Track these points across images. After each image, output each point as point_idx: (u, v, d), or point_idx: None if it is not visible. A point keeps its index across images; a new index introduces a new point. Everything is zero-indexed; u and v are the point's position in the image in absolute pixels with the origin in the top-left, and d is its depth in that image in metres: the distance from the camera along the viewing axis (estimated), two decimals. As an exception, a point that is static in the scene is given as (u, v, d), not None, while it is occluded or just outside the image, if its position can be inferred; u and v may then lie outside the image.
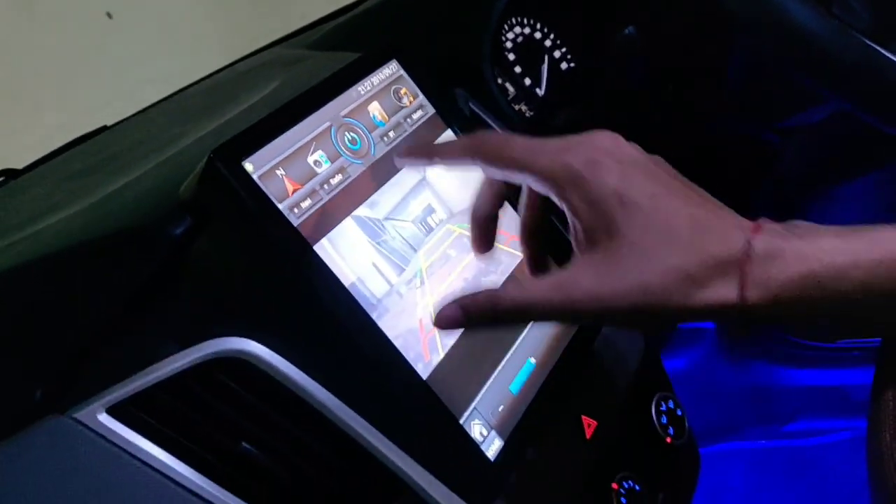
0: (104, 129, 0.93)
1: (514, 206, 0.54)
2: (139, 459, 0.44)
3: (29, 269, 0.48)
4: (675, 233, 0.39)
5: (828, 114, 0.75)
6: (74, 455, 0.43)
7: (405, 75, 0.59)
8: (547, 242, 0.50)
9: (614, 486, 0.59)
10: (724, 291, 0.38)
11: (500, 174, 0.44)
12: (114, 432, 0.44)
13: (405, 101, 0.58)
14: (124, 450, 0.44)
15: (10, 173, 0.88)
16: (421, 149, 0.49)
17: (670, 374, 1.47)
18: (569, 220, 0.42)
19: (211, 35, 2.58)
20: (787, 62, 0.60)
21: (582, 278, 0.39)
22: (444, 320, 0.41)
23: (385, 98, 0.57)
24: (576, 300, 0.39)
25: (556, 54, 0.87)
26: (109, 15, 2.63)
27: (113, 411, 0.44)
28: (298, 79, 0.69)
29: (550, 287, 0.40)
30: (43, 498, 0.42)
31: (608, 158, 0.41)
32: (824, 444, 1.33)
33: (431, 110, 0.60)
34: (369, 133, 0.55)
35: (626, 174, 0.40)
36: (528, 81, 0.83)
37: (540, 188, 0.42)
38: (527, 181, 0.43)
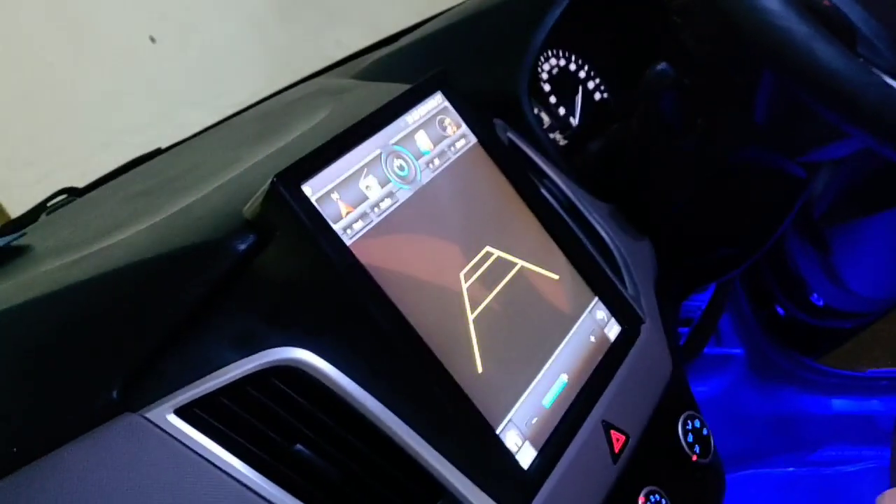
0: (159, 151, 0.98)
1: None
2: (202, 457, 0.48)
3: (104, 280, 0.53)
4: None
5: (853, 150, 0.78)
6: (144, 450, 0.47)
7: (449, 107, 0.63)
8: None
9: (641, 499, 0.62)
10: None
11: None
12: (180, 431, 0.48)
13: (449, 130, 0.62)
14: (189, 448, 0.48)
15: (72, 191, 0.93)
16: None
17: (699, 400, 1.49)
18: None
19: (249, 59, 2.64)
20: (811, 99, 0.63)
21: None
22: None
23: (431, 128, 0.61)
24: None
25: (591, 86, 0.91)
26: (153, 39, 2.71)
27: (180, 412, 0.48)
28: (348, 108, 0.73)
29: None
30: (113, 488, 0.46)
31: None
32: (851, 472, 1.34)
33: (473, 139, 0.64)
34: (416, 160, 0.59)
35: None
36: (562, 111, 0.87)
37: None
38: None
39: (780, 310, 1.43)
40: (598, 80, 0.91)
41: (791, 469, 1.38)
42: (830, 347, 1.46)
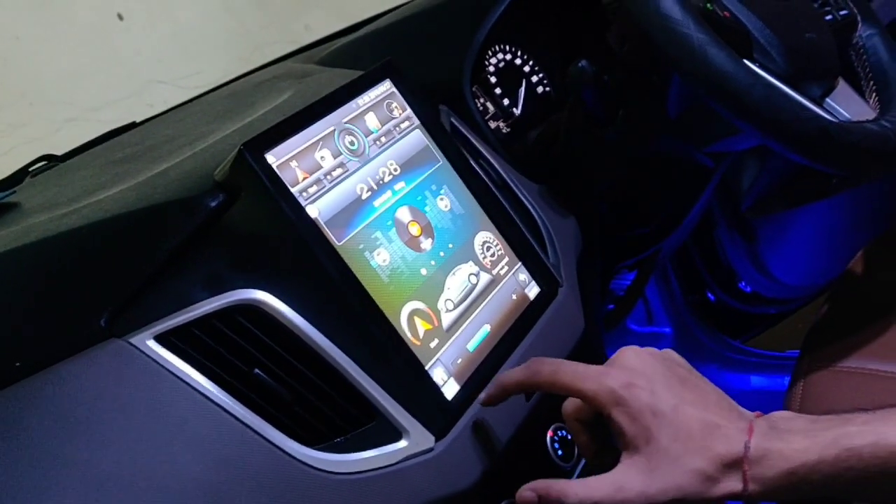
0: (133, 125, 1.06)
1: None
2: (176, 376, 0.57)
3: (94, 228, 0.62)
4: (693, 438, 0.54)
5: (752, 144, 0.89)
6: (127, 369, 0.56)
7: (396, 92, 0.73)
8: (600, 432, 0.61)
9: (550, 433, 0.72)
10: (732, 485, 0.53)
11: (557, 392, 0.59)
12: (158, 355, 0.57)
13: (395, 112, 0.72)
14: (165, 368, 0.57)
15: (51, 158, 1.01)
16: (495, 389, 0.62)
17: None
18: (615, 429, 0.56)
19: (218, 40, 2.68)
20: (707, 97, 0.73)
21: (632, 479, 0.54)
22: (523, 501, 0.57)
23: (379, 110, 0.71)
24: (629, 499, 0.54)
25: (535, 79, 1.00)
26: (120, 16, 2.74)
27: (158, 339, 0.58)
28: (308, 91, 0.82)
29: (608, 487, 0.54)
30: (102, 398, 0.55)
31: (640, 378, 0.55)
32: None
33: (417, 121, 0.73)
34: (365, 137, 0.69)
35: (654, 389, 0.55)
36: (506, 102, 0.97)
37: (589, 405, 0.57)
38: (578, 398, 0.58)
39: (710, 296, 1.54)
40: (541, 75, 1.01)
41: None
42: (757, 332, 1.58)
